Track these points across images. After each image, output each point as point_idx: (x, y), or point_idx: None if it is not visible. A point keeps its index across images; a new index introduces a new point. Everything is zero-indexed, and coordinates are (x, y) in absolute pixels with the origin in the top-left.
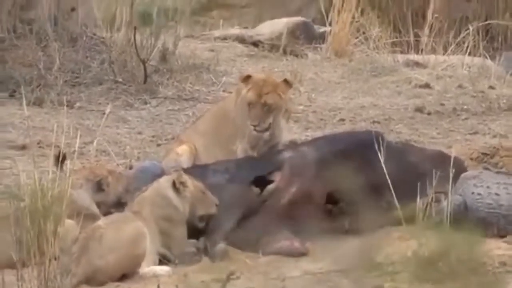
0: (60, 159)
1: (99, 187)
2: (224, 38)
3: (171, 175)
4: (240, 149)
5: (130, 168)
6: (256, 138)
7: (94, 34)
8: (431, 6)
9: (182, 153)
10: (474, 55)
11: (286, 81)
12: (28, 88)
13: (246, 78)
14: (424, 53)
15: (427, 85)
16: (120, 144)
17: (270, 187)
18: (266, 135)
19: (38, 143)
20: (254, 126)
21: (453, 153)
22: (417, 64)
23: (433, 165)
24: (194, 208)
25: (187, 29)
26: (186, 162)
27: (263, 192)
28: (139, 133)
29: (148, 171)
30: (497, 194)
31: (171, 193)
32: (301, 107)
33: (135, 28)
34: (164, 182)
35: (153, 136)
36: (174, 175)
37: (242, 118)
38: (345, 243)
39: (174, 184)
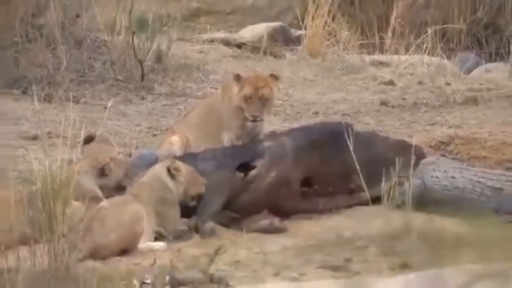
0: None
1: (102, 172)
2: (212, 41)
3: (165, 161)
4: (226, 139)
5: (129, 155)
6: (245, 128)
7: (97, 38)
8: (394, 12)
9: (175, 143)
10: (432, 55)
11: (273, 75)
12: (39, 86)
13: (238, 77)
14: (388, 54)
15: (390, 82)
16: (121, 134)
17: (253, 172)
18: (260, 124)
19: (48, 134)
20: (254, 117)
21: (414, 141)
22: (382, 63)
23: (396, 152)
24: (187, 190)
25: (179, 33)
26: (178, 151)
27: (247, 177)
28: (137, 125)
29: (145, 158)
30: (453, 177)
31: (166, 178)
32: (280, 102)
33: (133, 32)
34: (159, 168)
35: (149, 128)
36: (168, 162)
37: (229, 113)
38: (319, 221)
39: (168, 169)
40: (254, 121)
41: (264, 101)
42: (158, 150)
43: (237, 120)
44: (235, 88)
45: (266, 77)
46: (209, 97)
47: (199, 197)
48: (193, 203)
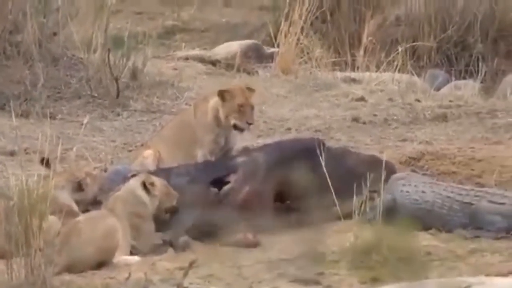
0: (45, 162)
1: (79, 187)
2: (186, 58)
3: (140, 176)
4: (200, 155)
5: (105, 171)
6: (218, 144)
7: (74, 55)
8: (366, 30)
9: (148, 156)
10: (403, 72)
11: (249, 88)
12: (16, 102)
13: (222, 92)
14: (360, 71)
15: (362, 99)
16: (96, 150)
17: (226, 187)
18: (234, 138)
19: (25, 150)
20: (250, 124)
21: (384, 157)
22: (353, 80)
23: (367, 167)
24: (160, 203)
25: (154, 51)
26: (150, 164)
27: (220, 192)
28: (113, 141)
29: (120, 173)
30: (423, 192)
31: (141, 192)
32: None
33: (109, 50)
34: (134, 183)
35: (124, 144)
36: (143, 176)
37: (203, 128)
38: (292, 236)
39: (144, 184)
40: (242, 130)
41: (252, 109)
42: (131, 165)
43: (211, 135)
44: (220, 103)
45: (247, 89)
46: (181, 113)
47: (172, 210)
48: (166, 216)
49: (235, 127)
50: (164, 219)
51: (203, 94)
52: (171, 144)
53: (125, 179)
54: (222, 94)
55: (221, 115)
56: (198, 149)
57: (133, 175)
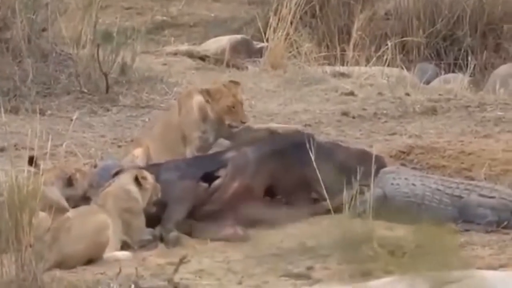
0: (32, 160)
1: (69, 183)
2: (175, 54)
3: (131, 171)
4: (188, 152)
5: (95, 166)
6: (206, 140)
7: (63, 51)
8: (355, 24)
9: (138, 155)
10: (392, 67)
11: (233, 81)
12: (5, 98)
13: (207, 91)
14: (349, 65)
15: (351, 93)
16: (86, 146)
17: (216, 182)
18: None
19: (15, 146)
20: (244, 122)
21: (374, 151)
22: (342, 74)
23: (357, 161)
24: (150, 196)
25: (143, 46)
26: (140, 163)
27: (210, 186)
28: (102, 136)
29: (110, 169)
30: (413, 185)
31: (132, 187)
32: None
33: (98, 45)
34: (126, 178)
35: (114, 139)
36: (135, 171)
37: (189, 126)
38: (282, 230)
39: (136, 178)
40: (236, 127)
41: (243, 105)
42: (121, 161)
43: (197, 132)
44: (206, 103)
45: (232, 84)
46: (167, 112)
47: (157, 203)
48: (153, 210)
49: (230, 126)
50: (151, 212)
51: (186, 90)
52: (159, 143)
53: (112, 175)
54: (206, 94)
55: (211, 114)
56: (186, 147)
57: (117, 172)
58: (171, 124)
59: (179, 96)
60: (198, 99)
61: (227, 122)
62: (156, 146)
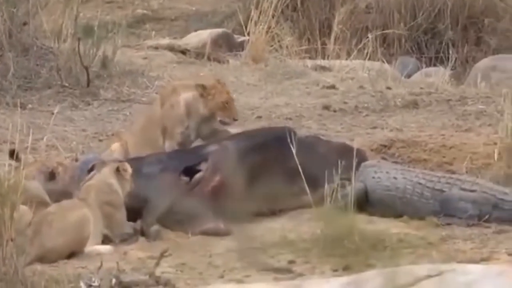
0: (13, 154)
1: (50, 177)
2: (156, 47)
3: (112, 165)
4: (167, 146)
5: (76, 160)
6: (187, 136)
7: (44, 45)
8: (336, 18)
9: (115, 149)
10: (373, 60)
11: (219, 80)
12: None
13: (203, 87)
14: (330, 59)
15: (332, 86)
16: (67, 140)
17: (198, 176)
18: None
19: None
20: (235, 120)
21: (355, 145)
22: (324, 68)
23: (338, 155)
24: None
25: (124, 40)
26: (118, 157)
27: (192, 180)
28: (83, 130)
29: (91, 163)
30: (395, 178)
31: (113, 181)
32: None
33: (79, 39)
34: (107, 171)
35: (95, 133)
36: (116, 164)
37: (173, 121)
38: (263, 224)
39: (118, 170)
40: (228, 123)
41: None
42: (102, 155)
43: (180, 127)
44: (200, 98)
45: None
46: (148, 107)
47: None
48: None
49: (221, 122)
50: (132, 206)
51: (170, 85)
52: (139, 137)
53: (88, 170)
54: (202, 89)
55: (203, 110)
56: (166, 141)
57: (93, 167)
58: (152, 118)
59: (162, 91)
60: (186, 95)
61: (219, 118)
62: (136, 140)
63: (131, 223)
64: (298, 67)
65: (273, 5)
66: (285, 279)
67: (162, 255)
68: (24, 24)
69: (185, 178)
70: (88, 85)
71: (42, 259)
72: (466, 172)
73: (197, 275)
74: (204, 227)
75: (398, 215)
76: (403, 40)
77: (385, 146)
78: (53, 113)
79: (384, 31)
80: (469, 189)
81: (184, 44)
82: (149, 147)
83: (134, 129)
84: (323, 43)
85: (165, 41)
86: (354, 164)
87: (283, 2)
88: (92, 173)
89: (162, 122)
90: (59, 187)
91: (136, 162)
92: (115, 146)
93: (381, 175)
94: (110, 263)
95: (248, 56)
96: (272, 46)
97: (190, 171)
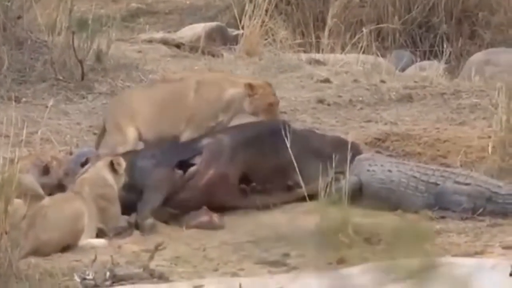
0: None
1: (45, 171)
2: (150, 41)
3: (107, 158)
4: (186, 136)
5: (70, 154)
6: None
7: (38, 38)
8: (330, 11)
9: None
10: (368, 54)
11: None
12: None
13: (250, 86)
14: (324, 52)
15: (327, 80)
16: (62, 133)
17: (192, 169)
18: None
19: None
20: None
21: (350, 138)
22: (318, 62)
23: (332, 149)
24: None
25: (118, 33)
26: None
27: (186, 174)
28: (78, 123)
29: (85, 156)
30: (389, 171)
31: (108, 174)
32: None
33: (73, 32)
34: (101, 165)
35: (90, 126)
36: (110, 158)
37: (206, 114)
38: (257, 217)
39: (112, 164)
40: None
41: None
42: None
43: (212, 122)
44: (246, 97)
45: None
46: (176, 84)
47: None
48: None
49: None
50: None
51: (208, 74)
52: (157, 113)
53: (83, 164)
54: (250, 89)
55: (247, 108)
56: (188, 129)
57: (86, 161)
58: (179, 100)
59: (197, 78)
60: (233, 91)
61: (260, 118)
62: (153, 115)
63: (125, 216)
64: (292, 61)
65: None
66: (279, 272)
67: (156, 249)
68: (18, 17)
69: (179, 172)
70: (82, 78)
71: (36, 252)
72: (460, 165)
73: (192, 268)
74: (198, 220)
75: (392, 208)
76: (397, 34)
77: (379, 139)
78: (47, 107)
79: (378, 25)
80: (463, 183)
81: (178, 37)
82: (166, 126)
83: (153, 101)
84: (317, 37)
85: (159, 34)
86: (349, 157)
87: None
88: (86, 166)
89: (191, 108)
90: (53, 180)
91: (131, 156)
92: (131, 131)
93: (375, 168)
94: (105, 256)
95: (242, 50)
96: (266, 39)
97: (184, 165)
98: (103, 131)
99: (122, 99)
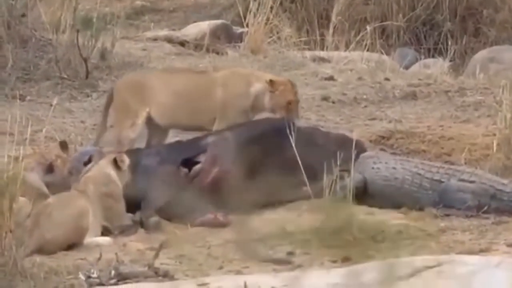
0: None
1: (49, 169)
2: (155, 39)
3: (110, 156)
4: (217, 127)
5: (75, 152)
6: None
7: (42, 37)
8: (335, 9)
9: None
10: (372, 51)
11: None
12: None
13: (272, 82)
14: (329, 50)
15: (331, 78)
16: (66, 131)
17: (197, 167)
18: None
19: None
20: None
21: (354, 136)
22: (322, 59)
23: (337, 146)
24: None
25: (123, 31)
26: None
27: (191, 172)
28: (82, 122)
29: (90, 154)
30: (394, 168)
31: (112, 172)
32: None
33: (77, 30)
34: (105, 163)
35: (94, 125)
36: (114, 155)
37: (235, 111)
38: (262, 215)
39: (115, 161)
40: None
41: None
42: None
43: (241, 119)
44: (268, 93)
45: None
46: (209, 74)
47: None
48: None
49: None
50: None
51: (232, 69)
52: (180, 102)
53: (86, 162)
54: (271, 85)
55: (267, 104)
56: (218, 122)
57: (89, 160)
58: (205, 93)
59: (227, 73)
60: (258, 86)
61: (278, 116)
62: (175, 102)
63: (130, 214)
64: (296, 59)
65: None
66: (284, 270)
67: (161, 247)
68: (23, 16)
69: (184, 170)
70: (87, 76)
71: (41, 250)
72: (465, 163)
73: (196, 266)
74: (203, 218)
75: (397, 206)
76: (401, 32)
77: (384, 137)
78: (51, 105)
79: (382, 23)
80: (467, 180)
81: (182, 35)
82: (184, 115)
83: (173, 89)
84: (322, 35)
85: (164, 32)
86: (353, 155)
87: None
88: (90, 164)
89: (219, 103)
90: (58, 179)
91: (135, 154)
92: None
93: (380, 165)
94: (109, 254)
95: (247, 48)
96: (270, 37)
97: (189, 163)
98: (103, 127)
99: (135, 79)
